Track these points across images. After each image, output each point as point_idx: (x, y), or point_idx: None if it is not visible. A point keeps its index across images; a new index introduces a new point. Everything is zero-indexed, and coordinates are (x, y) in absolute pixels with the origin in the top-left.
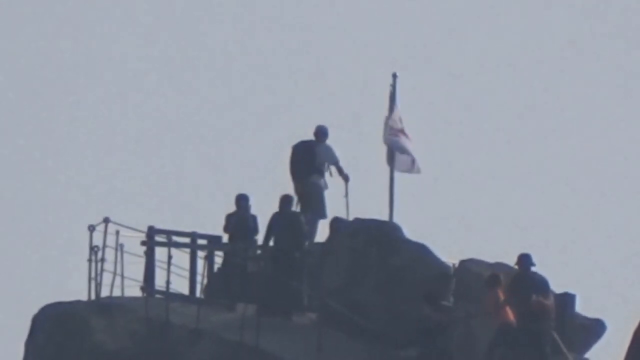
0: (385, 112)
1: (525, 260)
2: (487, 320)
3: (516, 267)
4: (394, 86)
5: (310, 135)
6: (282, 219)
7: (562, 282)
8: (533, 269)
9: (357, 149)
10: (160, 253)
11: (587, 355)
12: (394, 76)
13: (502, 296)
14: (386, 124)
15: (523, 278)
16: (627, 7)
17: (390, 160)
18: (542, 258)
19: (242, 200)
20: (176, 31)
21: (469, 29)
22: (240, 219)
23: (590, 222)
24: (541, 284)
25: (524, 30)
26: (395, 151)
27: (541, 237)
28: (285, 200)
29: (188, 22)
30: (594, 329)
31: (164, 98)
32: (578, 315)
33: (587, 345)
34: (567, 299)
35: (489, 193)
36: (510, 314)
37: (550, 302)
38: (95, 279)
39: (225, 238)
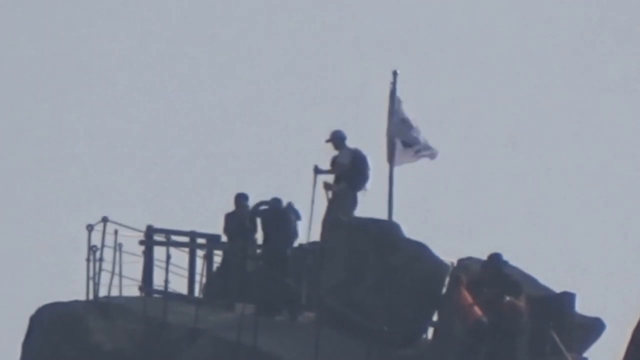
0: (386, 111)
1: (497, 259)
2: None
3: (487, 266)
4: (394, 84)
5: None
6: (273, 218)
7: (562, 282)
8: (505, 268)
9: (356, 147)
10: (158, 252)
11: (586, 354)
12: (395, 74)
13: (467, 295)
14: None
15: (496, 278)
16: (627, 7)
17: (390, 158)
18: (542, 257)
19: (241, 200)
20: (176, 31)
21: (470, 26)
22: (239, 219)
23: (589, 221)
24: (514, 285)
25: (525, 28)
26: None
27: (540, 236)
28: (275, 201)
29: (187, 21)
30: (593, 328)
31: (162, 97)
32: (577, 315)
33: (586, 344)
34: (566, 298)
35: (488, 192)
36: (479, 312)
37: (522, 303)
38: (94, 279)
39: (224, 237)
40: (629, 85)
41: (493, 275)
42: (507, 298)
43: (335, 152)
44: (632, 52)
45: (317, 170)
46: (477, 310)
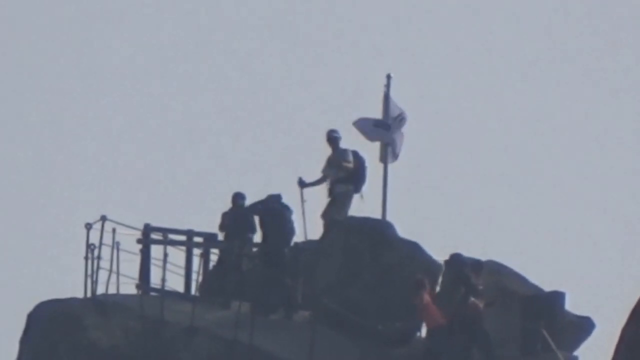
0: (380, 113)
1: (457, 260)
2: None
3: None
4: (388, 87)
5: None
6: (271, 218)
7: (552, 281)
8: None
9: (354, 149)
10: (156, 251)
11: (576, 353)
12: (388, 77)
13: (429, 299)
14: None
15: (458, 279)
16: (625, 8)
17: (384, 158)
18: (532, 256)
19: (238, 199)
20: (174, 30)
21: (463, 30)
22: (236, 217)
23: (580, 220)
24: (474, 288)
25: (519, 31)
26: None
27: (531, 236)
28: (273, 198)
29: (185, 21)
30: (583, 326)
31: (161, 97)
32: (567, 313)
33: (576, 343)
34: (556, 297)
35: (481, 192)
36: (440, 316)
37: (482, 305)
38: (92, 277)
39: (220, 236)
40: (617, 86)
41: (455, 277)
42: (472, 299)
43: (328, 152)
44: (622, 53)
45: (302, 184)
46: (437, 313)
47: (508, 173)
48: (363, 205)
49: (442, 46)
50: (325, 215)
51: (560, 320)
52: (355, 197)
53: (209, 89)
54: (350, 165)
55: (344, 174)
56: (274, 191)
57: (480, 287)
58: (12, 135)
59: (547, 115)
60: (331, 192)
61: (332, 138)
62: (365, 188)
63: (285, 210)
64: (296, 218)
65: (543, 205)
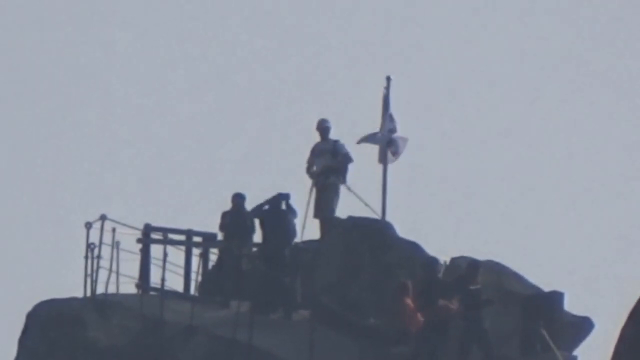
0: (379, 115)
1: (432, 264)
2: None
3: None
4: (387, 89)
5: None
6: (272, 218)
7: (551, 281)
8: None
9: (350, 149)
10: (155, 250)
11: (575, 353)
12: (388, 79)
13: (411, 304)
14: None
15: (430, 283)
16: (624, 9)
17: (383, 159)
18: (531, 256)
19: (238, 199)
20: (173, 30)
21: (463, 32)
22: (235, 217)
23: (579, 220)
24: (447, 289)
25: (517, 33)
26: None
27: (530, 235)
28: (277, 198)
29: (184, 21)
30: (582, 326)
31: (160, 96)
32: (566, 313)
33: (575, 343)
34: (555, 297)
35: (480, 193)
36: (422, 320)
37: (455, 306)
38: (91, 276)
39: (220, 236)
40: (617, 86)
41: (429, 282)
42: (441, 302)
43: (315, 141)
44: (617, 53)
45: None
46: (420, 318)
47: (507, 173)
48: (359, 200)
49: (443, 48)
50: (323, 211)
51: (559, 320)
52: (346, 191)
53: (209, 89)
54: (349, 155)
55: (337, 164)
56: (272, 191)
57: (474, 288)
58: (12, 135)
59: (546, 115)
60: (318, 182)
61: (324, 128)
62: (349, 181)
63: (289, 211)
64: (304, 215)
65: (542, 206)
